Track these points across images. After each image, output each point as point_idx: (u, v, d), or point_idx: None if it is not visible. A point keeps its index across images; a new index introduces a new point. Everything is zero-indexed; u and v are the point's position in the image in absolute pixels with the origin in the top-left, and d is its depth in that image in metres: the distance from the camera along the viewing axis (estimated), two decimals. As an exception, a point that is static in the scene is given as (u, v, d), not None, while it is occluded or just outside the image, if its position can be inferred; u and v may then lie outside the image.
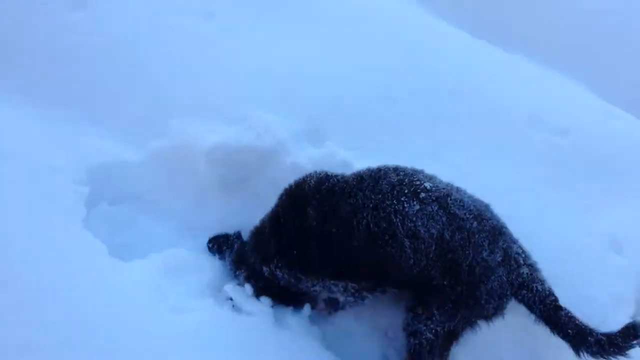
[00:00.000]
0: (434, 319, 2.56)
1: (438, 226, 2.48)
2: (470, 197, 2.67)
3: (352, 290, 2.66)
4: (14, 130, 2.81)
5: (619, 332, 2.53)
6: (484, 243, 2.52)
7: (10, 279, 2.16)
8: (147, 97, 3.00)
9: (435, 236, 2.46)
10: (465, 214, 2.54)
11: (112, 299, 2.19)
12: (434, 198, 2.52)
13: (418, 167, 3.03)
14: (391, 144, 3.12)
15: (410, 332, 2.63)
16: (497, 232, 2.60)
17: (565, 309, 2.61)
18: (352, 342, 2.89)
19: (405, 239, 2.46)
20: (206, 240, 2.84)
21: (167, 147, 2.87)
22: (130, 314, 2.16)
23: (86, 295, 2.17)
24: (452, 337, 2.71)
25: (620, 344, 2.51)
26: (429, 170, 3.06)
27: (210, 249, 2.83)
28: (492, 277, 2.53)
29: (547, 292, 2.61)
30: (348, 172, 2.95)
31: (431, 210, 2.49)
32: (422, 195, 2.52)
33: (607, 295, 2.88)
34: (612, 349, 2.51)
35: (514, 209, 3.02)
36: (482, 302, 2.54)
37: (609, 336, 2.51)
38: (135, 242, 2.68)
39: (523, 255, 2.64)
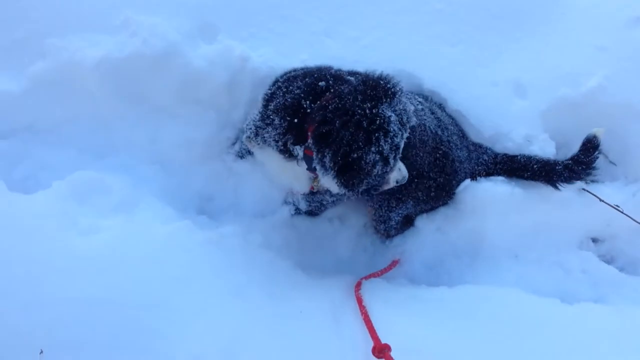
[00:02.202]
0: (405, 207, 2.78)
1: (434, 123, 2.70)
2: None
3: None
4: None
5: (580, 150, 2.81)
6: (457, 142, 2.81)
7: None
8: (15, 20, 2.75)
9: (433, 131, 2.67)
10: (444, 119, 2.82)
11: (16, 234, 2.11)
12: (425, 104, 2.78)
13: (316, 45, 3.01)
14: (284, 27, 3.03)
15: (382, 221, 2.86)
16: (461, 133, 2.93)
17: (521, 154, 2.93)
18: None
19: (417, 127, 2.57)
20: (114, 158, 2.76)
21: (50, 69, 2.68)
22: (37, 245, 2.09)
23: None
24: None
25: (586, 160, 2.76)
26: (329, 47, 3.06)
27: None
28: (461, 171, 2.83)
29: (495, 154, 2.96)
30: (248, 66, 2.89)
31: (427, 112, 2.72)
32: (419, 99, 2.76)
33: (520, 137, 3.00)
34: (581, 167, 2.78)
35: (420, 70, 3.09)
36: (452, 193, 2.85)
37: (573, 158, 2.81)
38: (36, 174, 2.57)
39: (472, 145, 2.95)
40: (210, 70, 2.83)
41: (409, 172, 2.58)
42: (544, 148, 3.01)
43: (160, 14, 2.83)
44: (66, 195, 2.34)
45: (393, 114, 2.12)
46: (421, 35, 3.18)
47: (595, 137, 2.81)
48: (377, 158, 2.09)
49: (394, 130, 2.10)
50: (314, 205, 2.86)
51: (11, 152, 2.61)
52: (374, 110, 2.07)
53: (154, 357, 1.94)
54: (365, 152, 2.07)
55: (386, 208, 2.78)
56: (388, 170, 2.22)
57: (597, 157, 2.81)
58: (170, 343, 1.97)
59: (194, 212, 2.85)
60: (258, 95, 2.84)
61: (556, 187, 2.83)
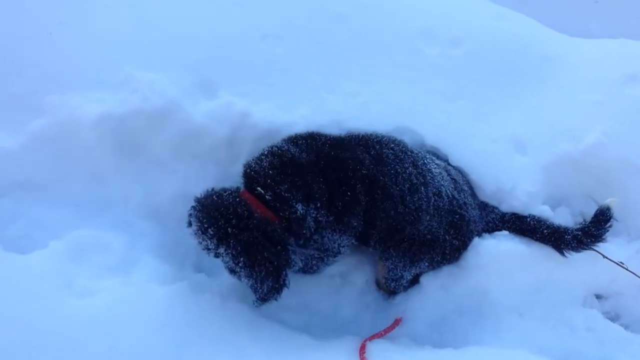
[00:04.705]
0: (419, 267, 2.75)
1: (451, 187, 2.70)
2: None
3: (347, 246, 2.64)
4: None
5: (591, 222, 2.79)
6: (472, 202, 2.82)
7: None
8: (15, 76, 2.74)
9: (449, 196, 2.67)
10: (459, 179, 2.84)
11: (12, 295, 2.07)
12: (442, 166, 2.80)
13: (315, 100, 3.01)
14: (284, 84, 3.02)
15: (395, 279, 2.79)
16: (473, 192, 2.94)
17: (531, 215, 2.91)
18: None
19: (433, 196, 2.61)
20: (111, 215, 2.70)
21: (49, 126, 2.65)
22: (34, 306, 2.05)
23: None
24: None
25: (595, 233, 2.75)
26: (330, 102, 3.06)
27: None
28: (475, 232, 2.82)
29: (502, 213, 2.95)
30: (249, 121, 2.88)
31: (444, 175, 2.73)
32: (436, 162, 2.76)
33: (523, 193, 2.98)
34: (589, 240, 2.75)
35: (420, 126, 3.08)
36: (464, 252, 2.82)
37: (583, 229, 2.78)
38: (32, 233, 2.51)
39: (480, 203, 2.95)
40: (211, 125, 2.81)
41: (424, 236, 2.65)
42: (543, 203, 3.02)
43: (161, 70, 2.83)
44: (63, 255, 2.31)
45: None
46: (420, 90, 3.20)
47: (608, 209, 2.80)
48: None
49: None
50: (304, 262, 2.78)
51: (6, 210, 2.55)
52: None
53: None
54: None
55: (401, 267, 2.72)
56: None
57: (608, 230, 2.79)
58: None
59: (191, 270, 2.78)
60: (258, 150, 2.84)
61: (562, 254, 2.82)
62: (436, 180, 2.66)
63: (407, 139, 2.96)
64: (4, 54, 2.79)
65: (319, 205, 2.36)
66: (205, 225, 2.21)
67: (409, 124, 3.05)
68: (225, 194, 2.30)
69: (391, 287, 2.85)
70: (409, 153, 2.65)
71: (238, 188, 2.41)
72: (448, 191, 2.70)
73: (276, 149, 2.42)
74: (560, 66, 3.43)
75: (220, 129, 2.81)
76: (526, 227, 2.85)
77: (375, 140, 2.63)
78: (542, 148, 3.10)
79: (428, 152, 2.95)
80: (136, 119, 2.70)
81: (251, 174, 2.38)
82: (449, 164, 2.96)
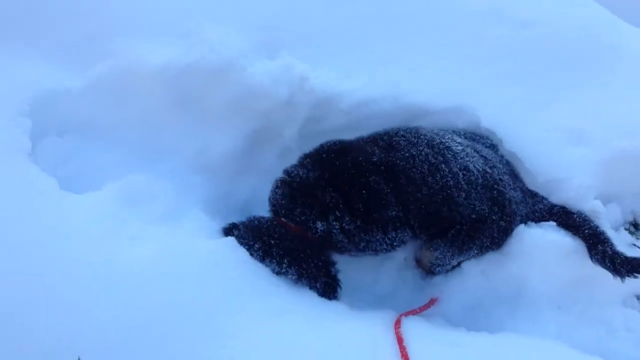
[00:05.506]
0: (468, 255, 2.73)
1: (480, 162, 2.65)
2: None
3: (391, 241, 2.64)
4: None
5: (627, 258, 2.59)
6: (510, 182, 2.75)
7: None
8: (85, 17, 2.78)
9: (480, 170, 2.62)
10: (492, 157, 2.77)
11: (66, 233, 2.11)
12: (466, 144, 2.72)
13: (375, 70, 2.97)
14: (347, 51, 3.00)
15: (442, 264, 2.79)
16: (513, 173, 2.87)
17: (579, 212, 2.81)
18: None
19: (460, 171, 2.57)
20: (163, 164, 2.75)
21: (112, 70, 2.70)
22: (88, 245, 2.09)
23: (38, 231, 2.09)
24: None
25: (616, 267, 2.59)
26: (390, 73, 3.02)
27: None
28: (519, 214, 2.75)
29: (551, 205, 2.87)
30: (306, 86, 2.86)
31: (469, 151, 2.66)
32: (459, 140, 2.71)
33: (576, 186, 2.91)
34: (609, 265, 2.61)
35: (477, 107, 3.03)
36: (509, 238, 2.75)
37: (614, 255, 2.61)
38: (87, 173, 2.56)
39: (528, 192, 2.88)
40: (269, 86, 2.81)
41: (469, 216, 2.61)
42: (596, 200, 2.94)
43: (225, 25, 2.83)
44: (117, 198, 2.34)
45: None
46: (482, 71, 3.12)
47: None
48: None
49: None
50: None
51: (65, 150, 2.60)
52: None
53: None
54: None
55: (449, 257, 2.72)
56: None
57: (635, 277, 2.58)
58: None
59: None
60: (314, 115, 2.84)
61: (590, 257, 2.70)
62: (459, 157, 2.62)
63: (462, 121, 2.93)
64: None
65: (338, 214, 2.45)
66: (251, 242, 2.43)
67: (466, 103, 3.01)
68: (263, 219, 2.56)
69: (436, 271, 2.84)
70: (422, 136, 2.63)
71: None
72: (477, 166, 2.65)
73: (287, 177, 2.57)
74: (628, 59, 3.30)
75: (278, 90, 2.82)
76: (572, 222, 2.77)
77: (383, 134, 2.66)
78: (600, 142, 3.00)
79: (454, 131, 2.91)
80: (197, 72, 2.73)
81: (273, 208, 2.60)
82: (482, 145, 2.90)
